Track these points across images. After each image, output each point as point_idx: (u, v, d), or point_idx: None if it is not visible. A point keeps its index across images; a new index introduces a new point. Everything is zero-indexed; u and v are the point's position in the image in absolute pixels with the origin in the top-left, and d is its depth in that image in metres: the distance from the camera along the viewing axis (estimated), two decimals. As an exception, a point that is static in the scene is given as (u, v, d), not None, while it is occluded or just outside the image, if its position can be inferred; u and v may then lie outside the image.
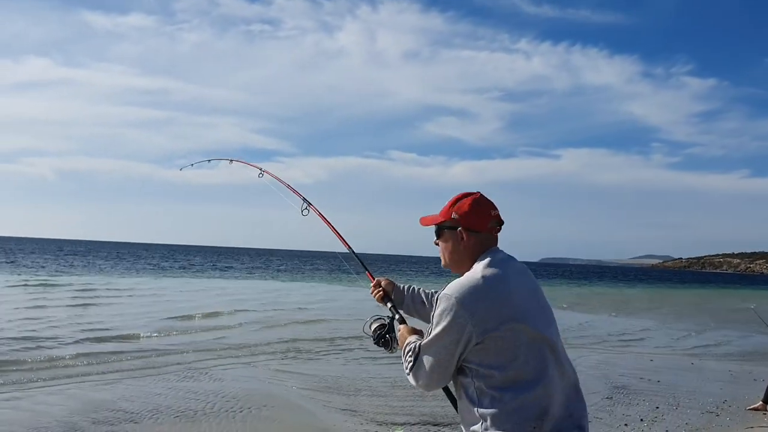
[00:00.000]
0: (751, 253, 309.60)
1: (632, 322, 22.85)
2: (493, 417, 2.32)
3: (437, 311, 2.39)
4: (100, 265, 51.27)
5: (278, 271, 59.04)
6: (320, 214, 3.88)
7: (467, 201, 2.57)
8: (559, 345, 2.45)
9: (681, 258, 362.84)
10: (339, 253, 3.70)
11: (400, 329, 2.88)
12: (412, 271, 73.55)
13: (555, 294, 34.79)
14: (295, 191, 4.11)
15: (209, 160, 5.45)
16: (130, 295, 23.82)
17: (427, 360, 2.43)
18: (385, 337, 2.90)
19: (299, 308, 21.81)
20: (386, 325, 2.94)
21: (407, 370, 2.51)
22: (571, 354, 2.59)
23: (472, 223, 2.54)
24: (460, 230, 2.55)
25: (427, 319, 2.90)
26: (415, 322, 2.90)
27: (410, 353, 2.50)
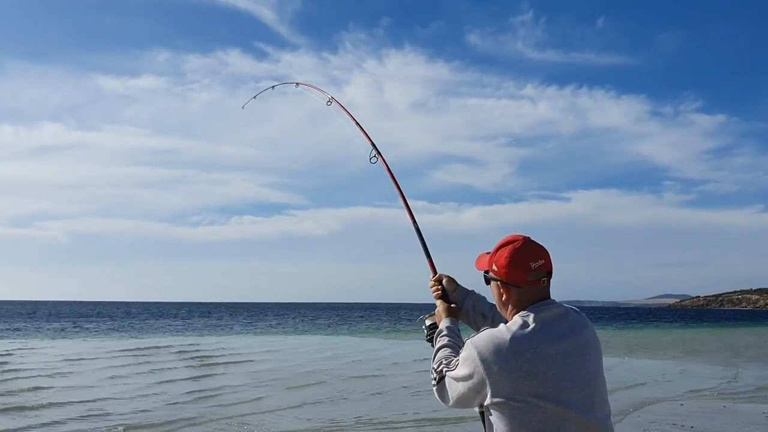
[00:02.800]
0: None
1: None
2: None
3: (462, 354, 2.31)
4: (171, 325, 51.82)
5: (353, 325, 57.95)
6: (388, 169, 3.56)
7: (505, 252, 2.36)
8: (593, 418, 2.25)
9: (698, 296, 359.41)
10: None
11: (437, 308, 2.85)
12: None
13: (635, 339, 33.14)
14: (364, 132, 3.79)
15: (273, 87, 5.04)
16: (240, 360, 22.86)
17: (449, 389, 2.37)
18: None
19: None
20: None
21: (432, 384, 2.47)
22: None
23: (510, 278, 2.35)
24: (499, 284, 2.41)
25: None
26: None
27: (436, 371, 2.45)
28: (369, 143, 3.68)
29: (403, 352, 26.51)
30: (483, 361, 2.20)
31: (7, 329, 43.10)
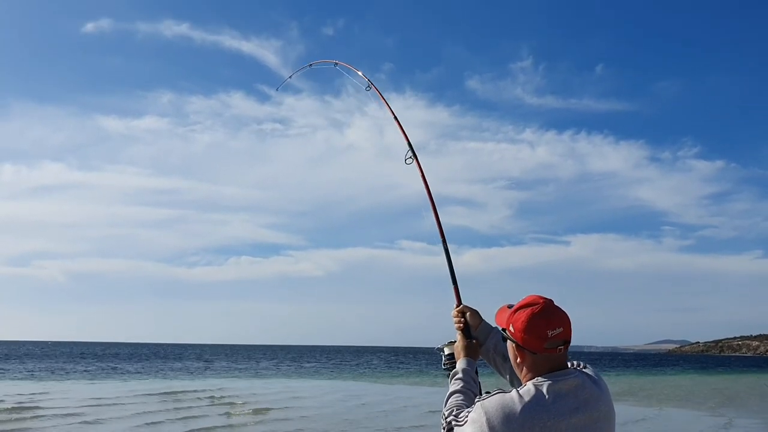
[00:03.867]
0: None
1: None
2: None
3: (471, 414, 2.21)
4: (195, 366, 51.83)
5: (371, 369, 57.22)
6: (422, 173, 3.30)
7: (523, 315, 2.25)
8: None
9: (698, 342, 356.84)
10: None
11: (457, 342, 2.75)
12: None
13: (658, 386, 32.49)
14: (402, 129, 3.49)
15: (311, 65, 4.82)
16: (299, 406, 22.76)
17: None
18: (454, 368, 2.68)
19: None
20: None
21: (441, 429, 2.39)
22: None
23: (525, 343, 2.24)
24: (514, 346, 2.30)
25: (502, 374, 2.71)
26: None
27: (446, 420, 2.36)
28: (405, 142, 3.42)
29: (434, 402, 25.98)
30: (491, 428, 2.12)
31: (26, 370, 42.40)
